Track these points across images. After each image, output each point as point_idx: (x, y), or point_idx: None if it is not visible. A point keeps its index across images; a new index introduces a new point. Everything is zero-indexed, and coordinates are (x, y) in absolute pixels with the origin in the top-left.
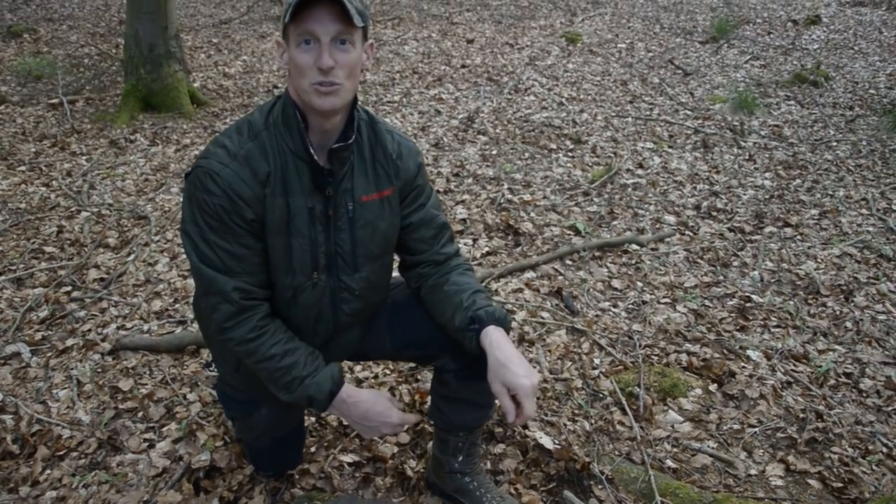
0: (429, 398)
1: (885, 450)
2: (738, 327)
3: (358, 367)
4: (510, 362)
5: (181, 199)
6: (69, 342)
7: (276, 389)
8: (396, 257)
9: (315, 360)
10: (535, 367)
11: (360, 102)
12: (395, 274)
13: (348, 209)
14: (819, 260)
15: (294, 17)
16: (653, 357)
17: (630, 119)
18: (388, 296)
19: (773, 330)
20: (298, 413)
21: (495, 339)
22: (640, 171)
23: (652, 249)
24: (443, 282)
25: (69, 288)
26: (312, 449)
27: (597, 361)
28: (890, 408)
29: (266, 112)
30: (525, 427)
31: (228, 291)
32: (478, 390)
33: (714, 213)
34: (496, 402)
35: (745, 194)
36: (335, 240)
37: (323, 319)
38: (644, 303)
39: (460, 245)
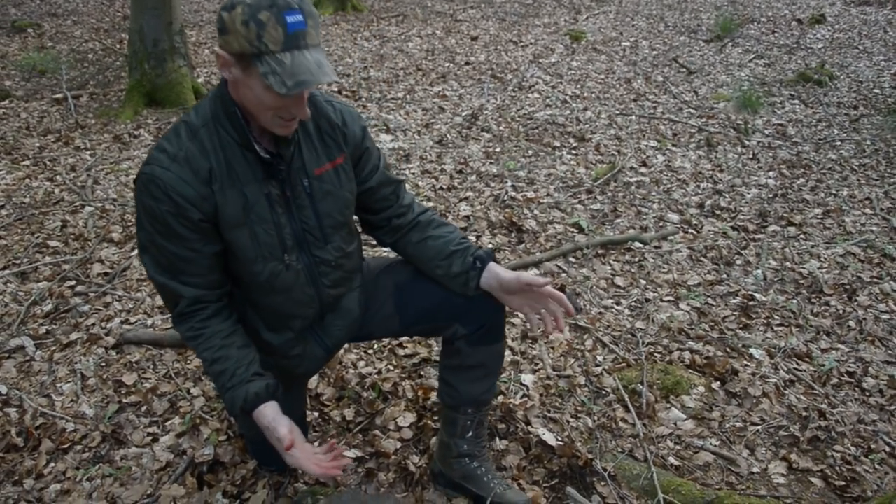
0: (431, 394)
1: (887, 448)
2: (741, 325)
3: (361, 363)
4: (521, 274)
5: None
6: (73, 336)
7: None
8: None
9: (242, 374)
10: (538, 364)
11: (363, 98)
12: (385, 251)
13: (304, 185)
14: (822, 259)
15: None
16: (656, 354)
17: (634, 117)
18: (360, 262)
19: (776, 328)
20: (299, 408)
21: (500, 268)
22: (643, 170)
23: (655, 247)
24: (427, 236)
25: (73, 282)
26: (315, 444)
27: (600, 359)
28: (893, 407)
29: (204, 109)
30: (528, 423)
31: (179, 297)
32: (488, 354)
33: (717, 212)
34: (499, 396)
35: (748, 193)
36: (300, 218)
37: (306, 297)
38: (647, 300)
39: None
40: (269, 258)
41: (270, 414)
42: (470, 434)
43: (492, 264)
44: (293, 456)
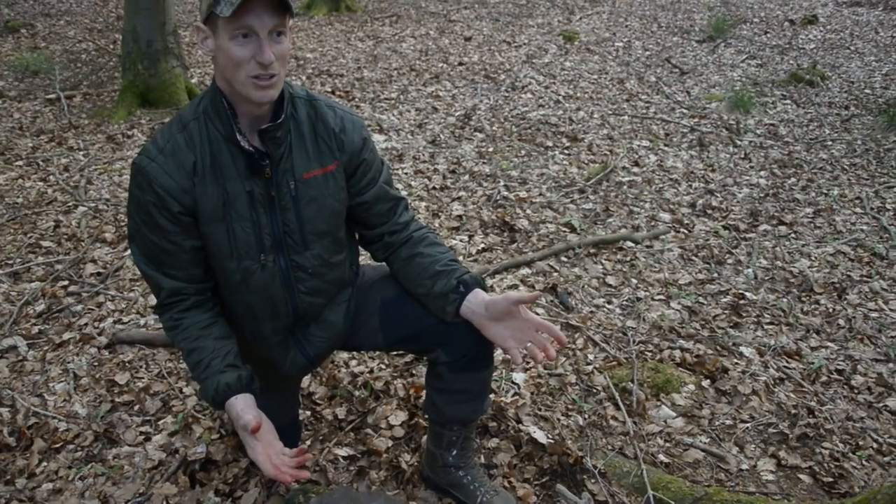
0: (423, 392)
1: (875, 445)
2: (731, 324)
3: (353, 362)
4: (509, 293)
5: None
6: (66, 336)
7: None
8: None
9: (217, 365)
10: (529, 362)
11: (356, 99)
12: (372, 262)
13: (290, 188)
14: (813, 258)
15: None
16: (646, 353)
17: (626, 117)
18: (352, 277)
19: (766, 327)
20: (292, 408)
21: (487, 294)
22: (635, 169)
23: (647, 247)
24: (415, 253)
25: (66, 282)
26: (308, 442)
27: (591, 357)
28: (880, 404)
29: (196, 103)
30: (519, 421)
31: (159, 288)
32: (472, 380)
33: (709, 211)
34: (490, 396)
35: (740, 192)
36: (282, 220)
37: (279, 301)
38: (638, 299)
39: (456, 242)
40: (244, 256)
41: (240, 405)
42: (455, 451)
43: (478, 291)
44: (253, 448)
